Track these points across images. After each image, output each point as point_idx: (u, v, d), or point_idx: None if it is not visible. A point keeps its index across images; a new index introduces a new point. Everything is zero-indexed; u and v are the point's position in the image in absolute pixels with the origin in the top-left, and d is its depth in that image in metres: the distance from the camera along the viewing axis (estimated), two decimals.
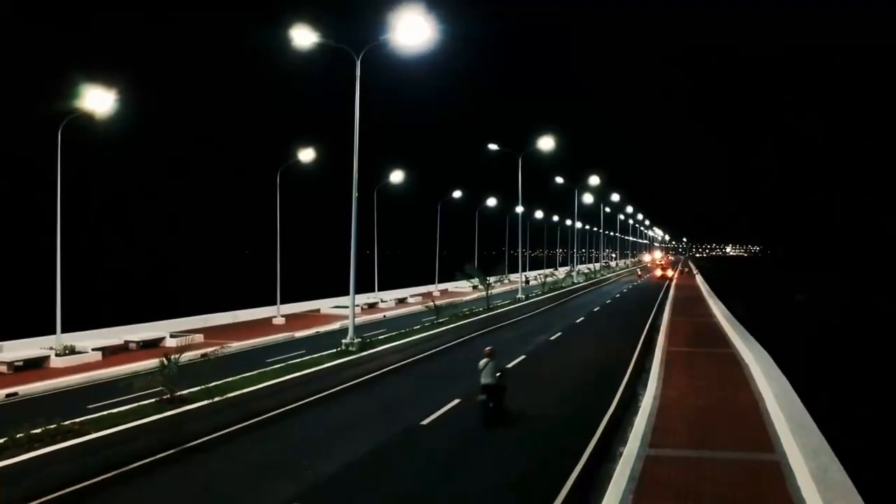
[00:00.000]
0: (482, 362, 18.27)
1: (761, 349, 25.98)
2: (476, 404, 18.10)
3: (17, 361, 25.42)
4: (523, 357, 28.57)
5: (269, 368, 21.63)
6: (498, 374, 18.30)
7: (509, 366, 26.27)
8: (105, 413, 15.40)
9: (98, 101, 26.81)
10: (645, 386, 22.33)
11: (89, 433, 13.61)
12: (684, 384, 21.59)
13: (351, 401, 20.90)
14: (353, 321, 27.17)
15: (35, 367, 25.66)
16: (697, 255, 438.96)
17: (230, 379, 19.55)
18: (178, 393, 16.77)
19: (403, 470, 14.42)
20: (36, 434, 13.25)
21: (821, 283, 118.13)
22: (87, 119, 27.95)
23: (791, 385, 19.60)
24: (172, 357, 17.12)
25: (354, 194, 26.72)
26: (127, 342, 30.83)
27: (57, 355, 26.63)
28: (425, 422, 17.88)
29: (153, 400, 16.44)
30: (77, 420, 14.45)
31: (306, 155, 41.25)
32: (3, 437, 13.04)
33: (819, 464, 12.86)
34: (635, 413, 18.94)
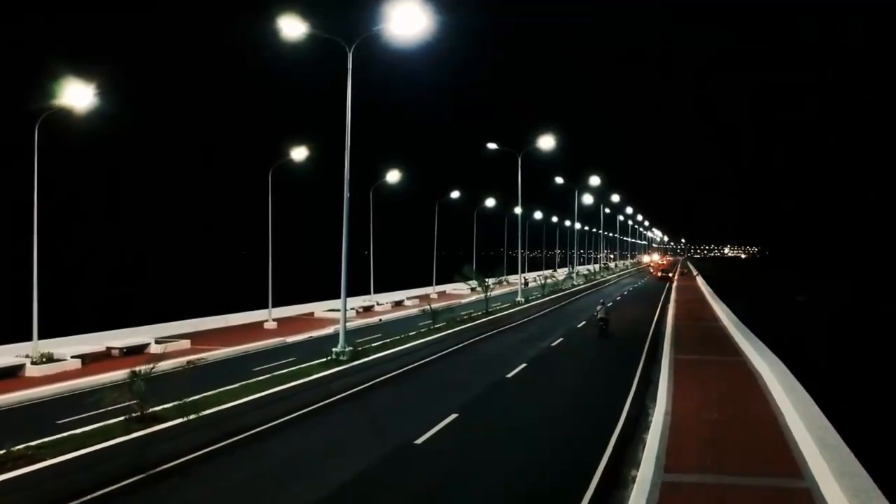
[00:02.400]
0: (598, 308, 38.08)
1: (774, 357, 24.66)
2: (470, 425, 16.76)
3: None
4: (524, 366, 27.20)
5: (252, 381, 20.21)
6: (606, 314, 36.88)
7: (508, 376, 25.08)
8: (66, 434, 14.00)
9: (77, 95, 25.42)
10: (654, 398, 21.05)
11: (44, 459, 12.25)
12: (696, 397, 20.27)
13: (340, 416, 19.47)
14: (345, 328, 25.72)
15: (9, 376, 24.27)
16: (696, 255, 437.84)
17: (210, 393, 18.18)
18: (150, 410, 15.39)
19: (394, 497, 13.08)
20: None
21: (821, 285, 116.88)
22: (66, 115, 26.60)
23: (812, 398, 18.25)
24: (143, 369, 15.73)
25: (346, 194, 25.37)
26: (109, 349, 29.44)
27: (33, 363, 25.24)
28: (420, 440, 16.49)
29: (122, 418, 15.03)
30: (32, 444, 13.07)
31: (299, 153, 39.86)
32: None
33: (856, 491, 11.51)
34: (645, 429, 17.65)
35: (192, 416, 15.34)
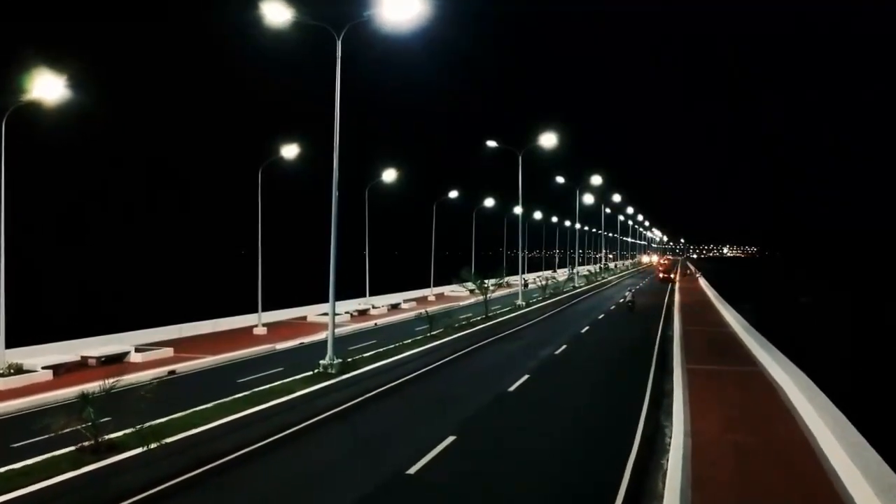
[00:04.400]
0: (627, 294, 55.74)
1: (794, 367, 22.88)
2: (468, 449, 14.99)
3: None
4: (526, 377, 25.40)
5: (229, 399, 18.36)
6: (633, 298, 53.17)
7: (510, 389, 23.35)
8: (4, 469, 12.19)
9: (46, 87, 23.63)
10: (668, 414, 19.32)
11: None
12: (715, 415, 18.54)
13: (326, 439, 17.59)
14: (333, 338, 23.85)
15: None
16: (694, 255, 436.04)
17: (180, 414, 16.38)
18: (106, 437, 13.59)
19: None
20: None
21: (822, 287, 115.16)
22: (35, 111, 24.83)
23: (846, 417, 16.42)
24: (95, 391, 13.95)
25: (335, 192, 23.60)
26: (85, 358, 27.63)
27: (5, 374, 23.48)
28: (413, 469, 14.66)
29: (72, 448, 13.20)
30: None
31: (290, 151, 38.06)
32: None
33: None
34: (663, 453, 15.90)
35: (152, 445, 13.53)
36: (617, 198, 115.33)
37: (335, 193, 23.63)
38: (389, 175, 49.83)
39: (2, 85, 24.87)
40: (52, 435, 13.98)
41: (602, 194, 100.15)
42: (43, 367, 24.94)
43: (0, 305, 23.96)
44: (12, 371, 23.86)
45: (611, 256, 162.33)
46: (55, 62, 24.26)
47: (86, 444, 13.24)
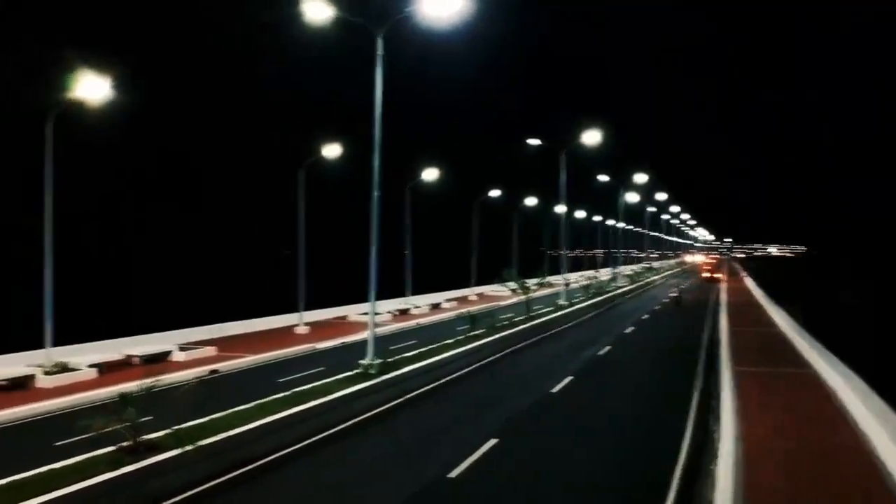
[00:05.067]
0: (673, 292, 58.95)
1: (849, 371, 22.04)
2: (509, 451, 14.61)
3: None
4: (569, 379, 24.92)
5: (269, 399, 18.20)
6: (679, 294, 57.74)
7: (554, 391, 22.90)
8: (43, 470, 12.16)
9: (91, 88, 23.85)
10: (717, 418, 18.70)
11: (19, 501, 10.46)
12: (766, 419, 17.85)
13: (365, 442, 17.33)
14: (373, 338, 23.66)
15: (18, 387, 22.76)
16: (741, 255, 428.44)
17: (219, 414, 16.25)
18: (145, 437, 13.53)
19: None
20: None
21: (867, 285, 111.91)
22: (79, 111, 25.12)
23: None
24: (135, 391, 13.92)
25: (374, 193, 23.40)
26: (129, 357, 27.89)
27: (45, 373, 23.74)
28: (454, 473, 14.35)
29: (112, 449, 13.15)
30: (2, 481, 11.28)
31: (331, 150, 38.09)
32: None
33: None
34: (712, 459, 15.34)
35: (191, 447, 13.44)
36: (662, 196, 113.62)
37: (375, 193, 23.44)
38: (430, 174, 49.58)
39: (49, 85, 25.21)
40: (94, 434, 13.96)
41: (647, 192, 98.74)
42: (88, 366, 25.21)
43: (47, 304, 24.30)
44: (57, 369, 24.13)
45: (654, 255, 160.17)
46: (100, 62, 24.49)
47: (125, 444, 13.19)
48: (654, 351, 32.28)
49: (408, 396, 21.74)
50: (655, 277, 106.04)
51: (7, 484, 11.21)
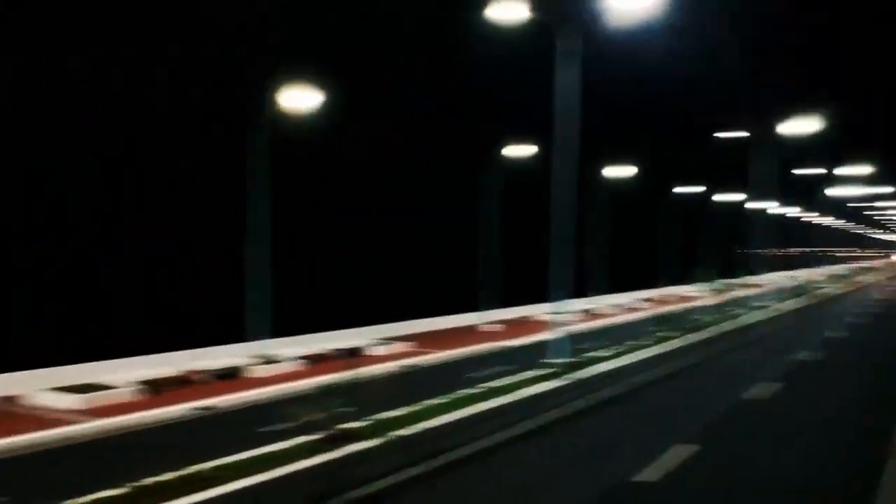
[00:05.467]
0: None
1: None
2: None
3: (217, 370, 24.59)
4: (775, 386, 23.19)
5: (455, 396, 18.36)
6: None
7: (756, 398, 21.48)
8: (248, 455, 12.93)
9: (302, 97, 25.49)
10: None
11: (224, 483, 11.21)
12: None
13: (548, 443, 17.00)
14: (564, 337, 23.36)
15: (230, 376, 24.63)
16: None
17: (410, 408, 16.56)
18: (342, 426, 14.03)
19: None
20: (164, 482, 11.08)
21: None
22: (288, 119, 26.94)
23: None
24: (336, 382, 14.50)
25: (558, 190, 23.03)
26: (329, 350, 29.32)
27: (252, 365, 25.62)
28: (645, 479, 13.64)
29: (310, 438, 13.75)
30: (210, 464, 12.10)
31: (520, 150, 38.48)
32: (124, 486, 10.94)
33: None
34: None
35: (383, 439, 13.82)
36: (888, 189, 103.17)
37: (558, 191, 23.10)
38: (622, 170, 48.42)
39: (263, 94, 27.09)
40: (295, 423, 14.70)
41: (869, 183, 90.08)
42: (290, 358, 26.88)
43: (257, 299, 26.25)
44: (263, 361, 25.99)
45: (871, 254, 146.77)
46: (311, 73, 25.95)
47: (323, 433, 13.75)
48: (876, 357, 29.38)
49: (595, 397, 21.04)
50: (872, 279, 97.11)
51: (212, 467, 12.02)
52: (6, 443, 16.15)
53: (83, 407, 19.66)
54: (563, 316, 24.53)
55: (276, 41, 26.88)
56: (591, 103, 23.27)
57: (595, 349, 26.61)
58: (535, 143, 37.69)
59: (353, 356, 28.74)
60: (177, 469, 11.63)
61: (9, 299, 23.81)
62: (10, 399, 20.48)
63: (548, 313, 41.56)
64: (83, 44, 23.36)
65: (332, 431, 13.89)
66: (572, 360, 22.96)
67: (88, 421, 18.37)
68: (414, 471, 13.91)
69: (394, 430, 14.41)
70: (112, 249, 27.04)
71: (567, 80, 22.41)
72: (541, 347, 30.03)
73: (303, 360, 27.02)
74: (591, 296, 49.45)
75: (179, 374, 23.73)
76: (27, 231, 24.90)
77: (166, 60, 26.07)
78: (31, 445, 16.43)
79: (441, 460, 14.66)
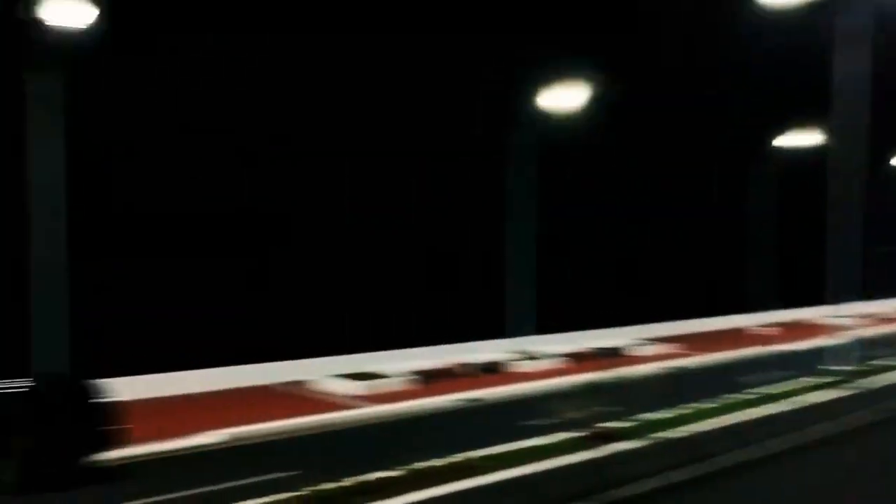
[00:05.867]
0: None
1: None
2: None
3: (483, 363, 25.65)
4: None
5: (727, 401, 17.51)
6: None
7: None
8: (508, 448, 13.36)
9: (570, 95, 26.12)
10: None
11: (485, 472, 11.74)
12: None
13: (832, 459, 15.64)
14: (847, 343, 21.31)
15: (491, 371, 25.47)
16: None
17: (677, 411, 16.09)
18: (605, 425, 14.03)
19: None
20: (435, 467, 11.87)
21: None
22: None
23: None
24: (598, 380, 14.52)
25: (840, 188, 21.07)
26: (587, 349, 29.27)
27: (519, 360, 26.40)
28: None
29: (572, 435, 13.86)
30: (478, 453, 12.68)
31: (805, 138, 35.97)
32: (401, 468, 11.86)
33: None
34: None
35: (649, 441, 13.58)
36: None
37: (840, 183, 21.16)
38: None
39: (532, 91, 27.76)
40: (558, 420, 14.94)
41: None
42: (557, 355, 27.27)
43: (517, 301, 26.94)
44: (525, 357, 26.68)
45: None
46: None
47: (587, 431, 13.83)
48: None
49: (884, 408, 18.90)
50: None
51: (480, 457, 12.62)
52: (299, 423, 18.15)
53: (366, 393, 21.55)
54: (845, 320, 22.41)
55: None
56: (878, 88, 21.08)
57: (884, 356, 23.91)
58: (813, 132, 34.90)
59: (615, 356, 28.57)
60: (446, 456, 12.37)
61: None
62: (299, 384, 23.01)
63: (828, 316, 38.19)
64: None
65: (595, 429, 13.95)
66: (857, 367, 20.89)
67: (369, 406, 20.08)
68: (677, 475, 13.51)
69: (658, 431, 14.16)
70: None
71: (851, 62, 20.43)
72: (819, 353, 27.71)
73: (565, 358, 27.27)
74: (877, 298, 44.48)
75: (446, 366, 25.08)
76: None
77: None
78: (322, 426, 18.30)
79: (708, 466, 14.10)
